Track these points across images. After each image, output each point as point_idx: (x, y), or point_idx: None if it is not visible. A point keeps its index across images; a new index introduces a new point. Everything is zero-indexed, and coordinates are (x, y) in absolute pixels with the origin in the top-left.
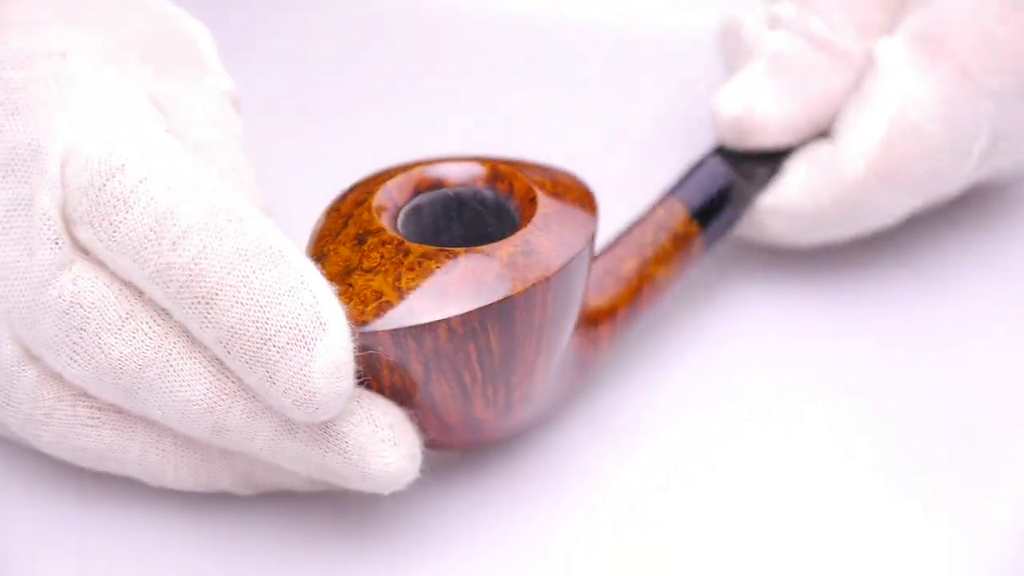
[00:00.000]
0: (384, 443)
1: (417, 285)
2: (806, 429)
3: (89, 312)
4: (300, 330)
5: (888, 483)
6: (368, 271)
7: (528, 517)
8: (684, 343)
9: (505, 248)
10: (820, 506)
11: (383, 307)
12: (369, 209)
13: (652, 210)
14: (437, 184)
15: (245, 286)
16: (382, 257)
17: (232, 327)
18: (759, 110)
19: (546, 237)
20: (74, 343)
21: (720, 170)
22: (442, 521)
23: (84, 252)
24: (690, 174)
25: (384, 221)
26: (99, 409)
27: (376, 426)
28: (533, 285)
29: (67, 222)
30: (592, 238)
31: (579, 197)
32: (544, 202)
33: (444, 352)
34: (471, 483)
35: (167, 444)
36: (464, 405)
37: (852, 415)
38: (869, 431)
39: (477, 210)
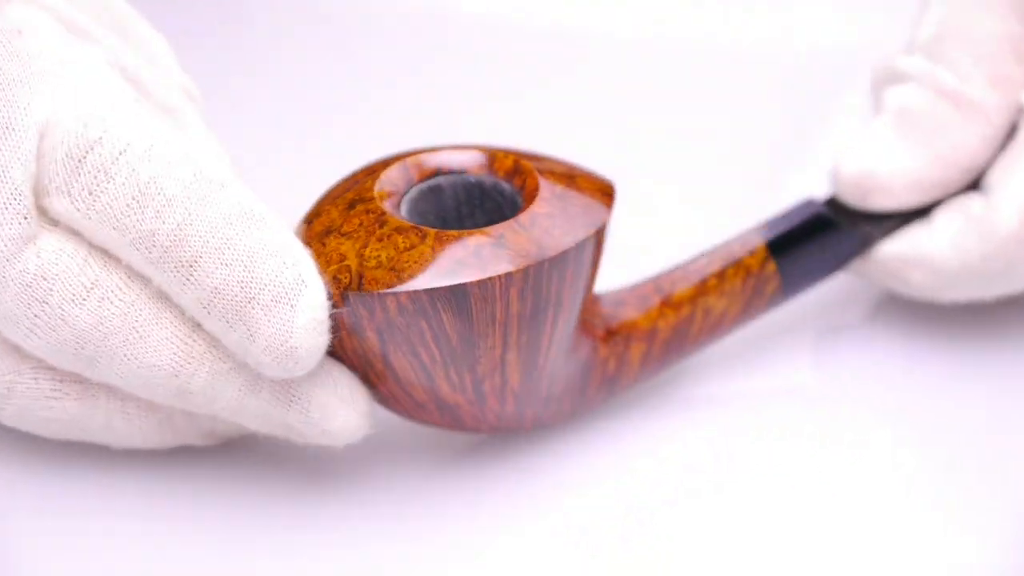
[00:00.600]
0: (343, 403)
1: (378, 256)
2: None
3: (52, 284)
4: (284, 288)
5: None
6: (344, 235)
7: (527, 511)
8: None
9: (477, 237)
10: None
11: (341, 271)
12: (374, 177)
13: (729, 241)
14: (457, 171)
15: (229, 248)
16: (360, 224)
17: (216, 288)
18: (884, 168)
19: (526, 235)
20: (36, 315)
21: (811, 208)
22: (441, 516)
23: (52, 223)
24: (784, 214)
25: (386, 192)
26: (61, 380)
27: (336, 386)
28: (489, 278)
29: (38, 195)
30: (593, 243)
31: (594, 194)
32: (544, 199)
33: (396, 325)
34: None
35: (131, 408)
36: (428, 383)
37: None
38: (914, 455)
39: (497, 201)
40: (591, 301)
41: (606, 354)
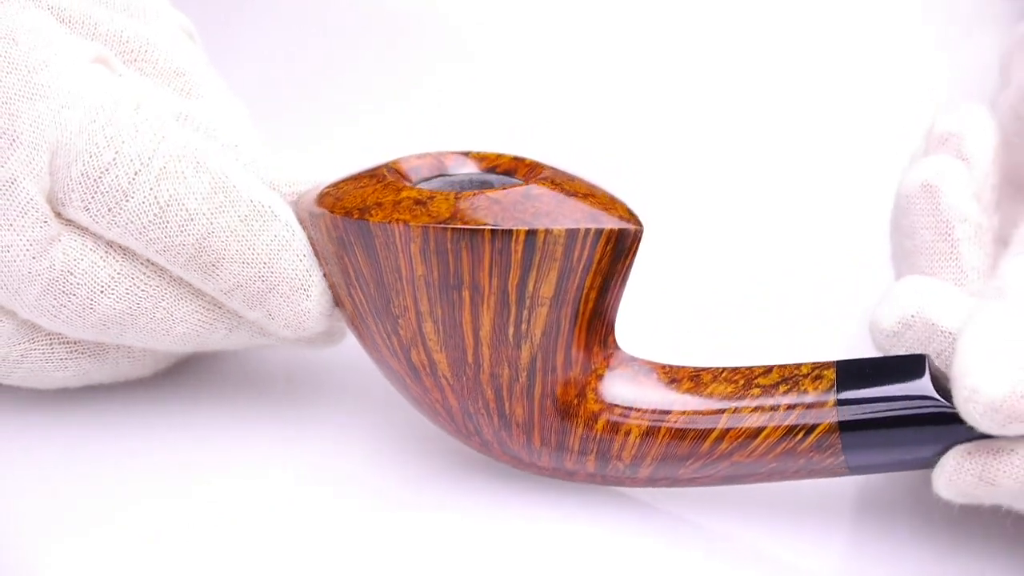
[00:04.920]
0: (323, 316)
1: (349, 188)
2: None
3: (79, 278)
4: (299, 279)
5: None
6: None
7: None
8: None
9: (444, 194)
10: None
11: (322, 192)
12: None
13: (801, 363)
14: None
15: (249, 248)
16: (371, 180)
17: (237, 283)
18: None
19: (489, 207)
20: (63, 306)
21: (915, 370)
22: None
23: (72, 224)
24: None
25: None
26: (75, 344)
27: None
28: (390, 223)
29: (53, 204)
30: (538, 245)
31: (606, 208)
32: (539, 191)
33: (329, 252)
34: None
35: (136, 352)
36: (368, 334)
37: None
38: None
39: None
40: (593, 333)
41: (598, 409)
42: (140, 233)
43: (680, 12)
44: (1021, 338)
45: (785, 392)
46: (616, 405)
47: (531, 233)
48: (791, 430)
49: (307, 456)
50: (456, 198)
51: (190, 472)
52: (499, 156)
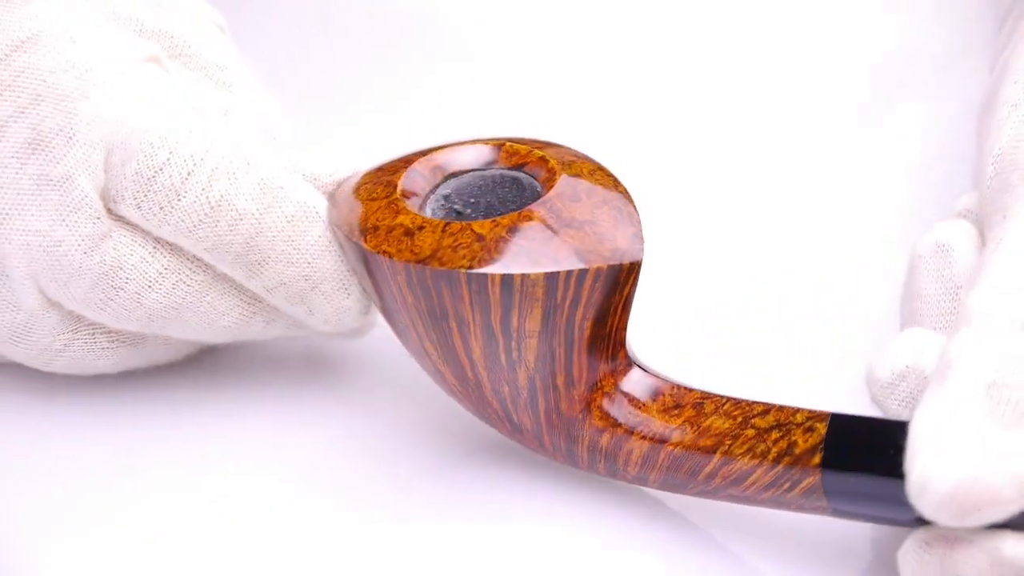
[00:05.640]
0: (361, 313)
1: (364, 192)
2: None
3: (129, 274)
4: (340, 279)
5: None
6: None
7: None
8: None
9: (436, 225)
10: None
11: (349, 188)
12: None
13: (801, 408)
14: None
15: (294, 248)
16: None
17: (281, 281)
18: (986, 474)
19: (470, 245)
20: (111, 299)
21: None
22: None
23: (122, 220)
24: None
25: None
26: (116, 334)
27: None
28: (376, 253)
29: (105, 200)
30: (513, 288)
31: (592, 244)
32: (533, 230)
33: (347, 251)
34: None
35: (173, 339)
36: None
37: None
38: None
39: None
40: (596, 353)
41: (602, 426)
42: (190, 231)
43: (682, 13)
44: (967, 422)
45: (776, 440)
46: (620, 425)
47: (507, 277)
48: (777, 479)
49: (309, 454)
50: (443, 231)
51: (190, 471)
52: (531, 153)
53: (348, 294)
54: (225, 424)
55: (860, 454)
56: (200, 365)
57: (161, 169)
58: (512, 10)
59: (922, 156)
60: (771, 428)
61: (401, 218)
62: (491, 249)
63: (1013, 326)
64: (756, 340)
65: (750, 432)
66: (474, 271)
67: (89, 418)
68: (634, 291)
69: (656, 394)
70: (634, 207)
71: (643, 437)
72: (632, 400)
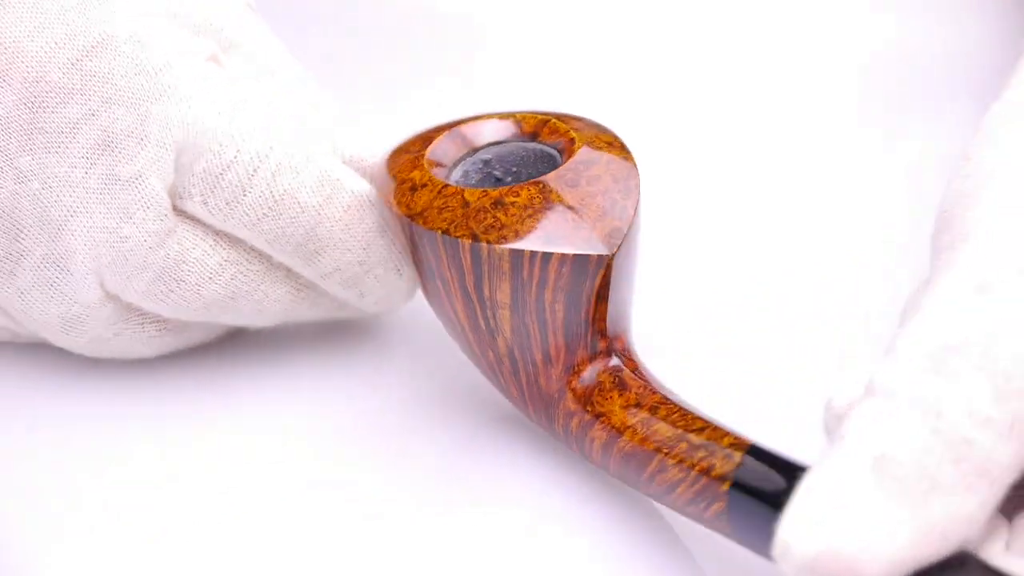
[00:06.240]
0: (410, 292)
1: (410, 145)
2: None
3: (191, 267)
4: (394, 263)
5: None
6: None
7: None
8: None
9: (436, 185)
10: None
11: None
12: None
13: (730, 430)
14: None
15: (350, 236)
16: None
17: (337, 267)
18: (850, 549)
19: (455, 209)
20: (170, 291)
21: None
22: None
23: (187, 215)
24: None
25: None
26: (163, 322)
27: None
28: (387, 200)
29: (172, 197)
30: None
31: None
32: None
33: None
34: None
35: (212, 324)
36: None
37: None
38: None
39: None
40: (574, 339)
41: (573, 409)
42: (254, 225)
43: (683, 13)
44: (848, 492)
45: (701, 458)
46: (587, 412)
47: (475, 246)
48: (696, 496)
49: (311, 453)
50: (439, 192)
51: (190, 470)
52: (568, 133)
53: (400, 275)
54: (225, 423)
55: (763, 490)
56: (197, 367)
57: (228, 167)
58: (513, 10)
59: (923, 156)
60: (700, 446)
61: (415, 173)
62: (470, 217)
63: (912, 404)
64: (756, 340)
65: (683, 445)
66: (448, 235)
67: (86, 423)
68: (607, 285)
69: (624, 389)
70: (633, 204)
71: (603, 428)
72: (601, 391)
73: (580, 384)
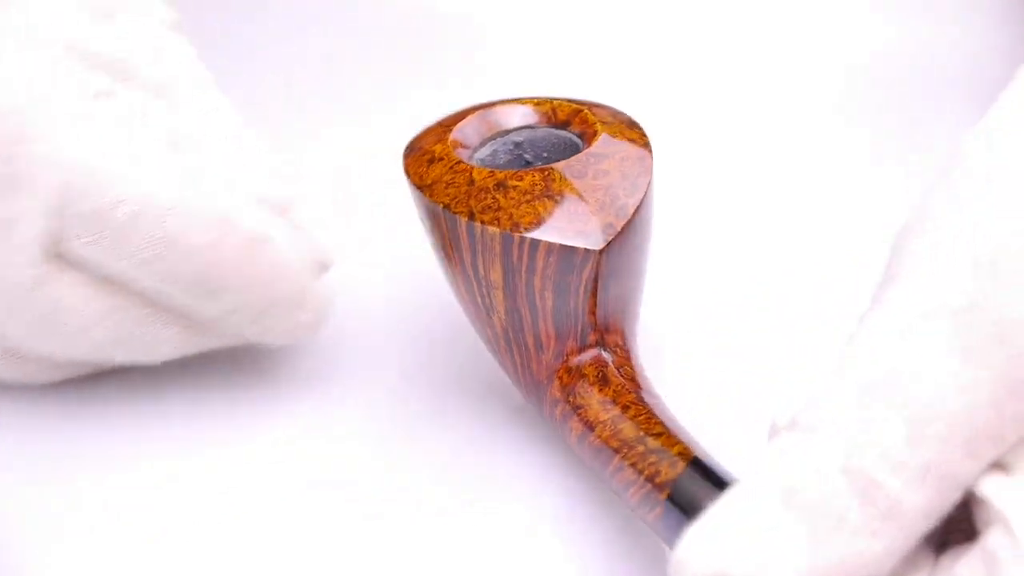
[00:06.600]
0: (315, 325)
1: (446, 120)
2: None
3: (70, 314)
4: (295, 297)
5: None
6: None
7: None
8: None
9: (450, 160)
10: None
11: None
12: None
13: (692, 441)
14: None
15: (249, 275)
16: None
17: (236, 308)
18: (745, 571)
19: (460, 186)
20: (55, 334)
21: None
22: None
23: (69, 259)
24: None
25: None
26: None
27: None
28: (407, 169)
29: (55, 240)
30: (481, 232)
31: (579, 215)
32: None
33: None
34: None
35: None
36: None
37: None
38: None
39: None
40: (564, 329)
41: (559, 397)
42: (143, 266)
43: (683, 15)
44: (750, 520)
45: (652, 463)
46: (568, 402)
47: (471, 224)
48: (643, 500)
49: (311, 453)
50: (452, 168)
51: (190, 470)
52: (594, 125)
53: (303, 310)
54: (226, 422)
55: (695, 503)
56: (198, 365)
57: (114, 208)
58: (513, 10)
59: (923, 157)
60: (655, 451)
61: (437, 146)
62: (472, 195)
63: (828, 440)
64: (756, 340)
65: (640, 448)
66: (448, 210)
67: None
68: (597, 279)
69: (605, 384)
70: (635, 202)
71: (580, 420)
72: (584, 383)
73: (567, 373)
